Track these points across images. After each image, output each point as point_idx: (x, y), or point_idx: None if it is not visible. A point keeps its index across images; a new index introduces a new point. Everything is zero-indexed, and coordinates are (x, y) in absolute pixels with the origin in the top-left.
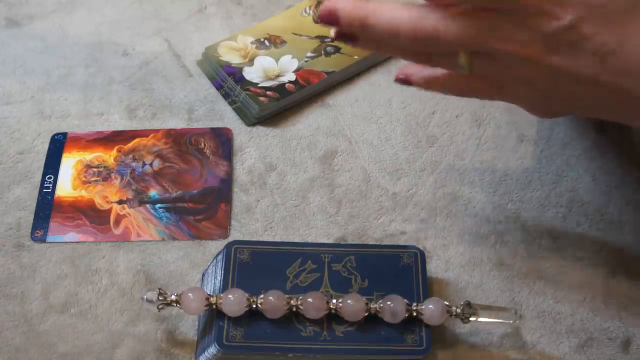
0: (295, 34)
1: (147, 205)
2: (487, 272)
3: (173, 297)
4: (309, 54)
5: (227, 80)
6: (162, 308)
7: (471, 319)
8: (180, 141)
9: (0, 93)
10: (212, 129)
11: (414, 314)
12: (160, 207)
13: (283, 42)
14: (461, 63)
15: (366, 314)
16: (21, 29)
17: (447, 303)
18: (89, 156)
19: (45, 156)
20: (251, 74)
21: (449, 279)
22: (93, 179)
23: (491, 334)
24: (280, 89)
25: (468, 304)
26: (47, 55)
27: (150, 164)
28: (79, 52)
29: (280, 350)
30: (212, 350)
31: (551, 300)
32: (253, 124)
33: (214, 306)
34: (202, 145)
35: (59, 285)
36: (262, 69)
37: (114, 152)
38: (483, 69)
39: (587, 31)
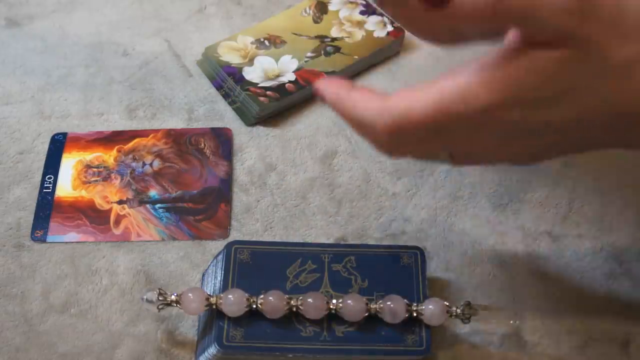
0: (295, 34)
1: (147, 205)
2: (487, 272)
3: (173, 297)
4: (308, 54)
5: (227, 80)
6: (162, 308)
7: (471, 319)
8: (180, 141)
9: (0, 93)
10: (212, 129)
11: (414, 314)
12: (160, 207)
13: (283, 42)
14: (442, 159)
15: (366, 314)
16: (21, 29)
17: (447, 303)
18: (89, 156)
19: (45, 156)
20: (251, 74)
21: (449, 279)
22: (93, 179)
23: (491, 334)
24: (280, 89)
25: (468, 304)
26: (47, 55)
27: (150, 164)
28: (79, 52)
29: (280, 351)
30: (212, 350)
31: (551, 300)
32: (253, 124)
33: (214, 306)
34: (202, 145)
35: (59, 285)
36: (262, 69)
37: (114, 152)
38: (465, 161)
39: (540, 117)
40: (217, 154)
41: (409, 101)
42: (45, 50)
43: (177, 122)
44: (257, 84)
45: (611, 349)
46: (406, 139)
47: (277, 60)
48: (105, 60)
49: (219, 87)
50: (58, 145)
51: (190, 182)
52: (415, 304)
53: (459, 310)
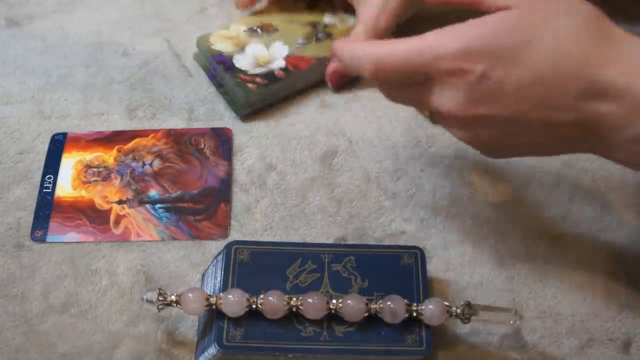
0: (289, 22)
1: (147, 205)
2: (487, 272)
3: (173, 297)
4: (300, 41)
5: (218, 69)
6: (162, 308)
7: (471, 319)
8: (180, 141)
9: (0, 93)
10: (212, 129)
11: (414, 314)
12: (160, 207)
13: (275, 29)
14: (425, 115)
15: (366, 315)
16: (21, 29)
17: (447, 303)
18: (89, 156)
19: (45, 156)
20: (241, 61)
21: (449, 279)
22: (93, 179)
23: (491, 334)
24: (269, 75)
25: (468, 304)
26: (47, 55)
27: (150, 164)
28: (79, 52)
29: (280, 351)
30: (212, 350)
31: (551, 300)
32: (244, 115)
33: (214, 306)
34: (202, 145)
35: (59, 285)
36: (253, 56)
37: (114, 152)
38: (439, 120)
39: (499, 74)
40: (217, 154)
41: (391, 47)
42: (45, 50)
43: (177, 122)
44: (247, 71)
45: (611, 349)
46: (387, 82)
47: (268, 47)
48: (105, 60)
49: (212, 78)
50: (58, 145)
51: (190, 182)
52: (415, 304)
53: (459, 310)
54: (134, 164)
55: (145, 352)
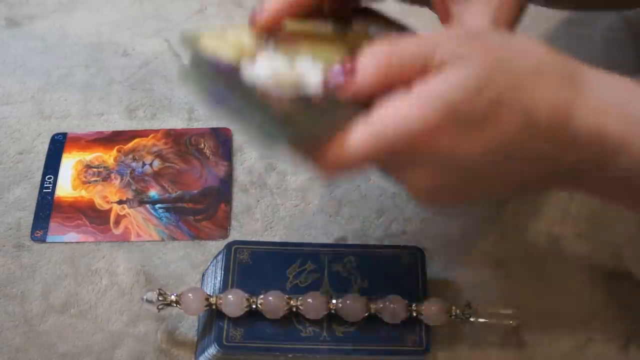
0: (313, 34)
1: (147, 206)
2: (487, 272)
3: (173, 297)
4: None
5: (218, 79)
6: (162, 308)
7: (471, 319)
8: (180, 141)
9: (0, 93)
10: (212, 129)
11: (414, 314)
12: (160, 207)
13: (297, 42)
14: None
15: (366, 315)
16: (21, 29)
17: (447, 303)
18: (89, 156)
19: (45, 156)
20: (255, 74)
21: (449, 279)
22: (93, 179)
23: (491, 334)
24: (302, 101)
25: (468, 304)
26: (47, 55)
27: (150, 164)
28: (79, 52)
29: (280, 351)
30: (212, 350)
31: (551, 300)
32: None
33: (214, 306)
34: (202, 145)
35: (59, 285)
36: (271, 70)
37: (114, 152)
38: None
39: (466, 145)
40: (217, 154)
41: (348, 144)
42: (45, 50)
43: (177, 122)
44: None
45: (611, 349)
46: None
47: (291, 63)
48: (105, 60)
49: (218, 101)
50: (58, 145)
51: (190, 182)
52: (415, 304)
53: (459, 310)
54: (134, 164)
55: (145, 352)
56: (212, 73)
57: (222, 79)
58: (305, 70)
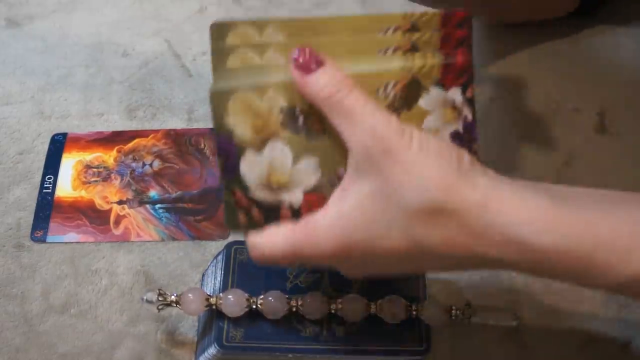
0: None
1: (147, 206)
2: (487, 272)
3: (173, 297)
4: (341, 172)
5: (219, 158)
6: (162, 308)
7: (471, 319)
8: (180, 141)
9: (0, 93)
10: (212, 129)
11: (414, 314)
12: (160, 208)
13: (321, 132)
14: None
15: (366, 315)
16: (21, 29)
17: (447, 303)
18: (89, 156)
19: (45, 156)
20: (249, 168)
21: (449, 279)
22: (93, 179)
23: (491, 334)
24: (271, 211)
25: (468, 304)
26: (47, 56)
27: (150, 165)
28: (79, 52)
29: (280, 351)
30: (212, 350)
31: (551, 300)
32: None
33: (214, 306)
34: (202, 145)
35: (59, 285)
36: (268, 166)
37: (114, 152)
38: None
39: (376, 258)
40: None
41: (271, 244)
42: (45, 50)
43: (177, 123)
44: (248, 188)
45: (611, 349)
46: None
47: (296, 159)
48: (105, 60)
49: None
50: (58, 145)
51: (190, 182)
52: (415, 304)
53: (459, 311)
54: (134, 164)
55: (145, 352)
56: (221, 149)
57: (220, 159)
58: (303, 171)
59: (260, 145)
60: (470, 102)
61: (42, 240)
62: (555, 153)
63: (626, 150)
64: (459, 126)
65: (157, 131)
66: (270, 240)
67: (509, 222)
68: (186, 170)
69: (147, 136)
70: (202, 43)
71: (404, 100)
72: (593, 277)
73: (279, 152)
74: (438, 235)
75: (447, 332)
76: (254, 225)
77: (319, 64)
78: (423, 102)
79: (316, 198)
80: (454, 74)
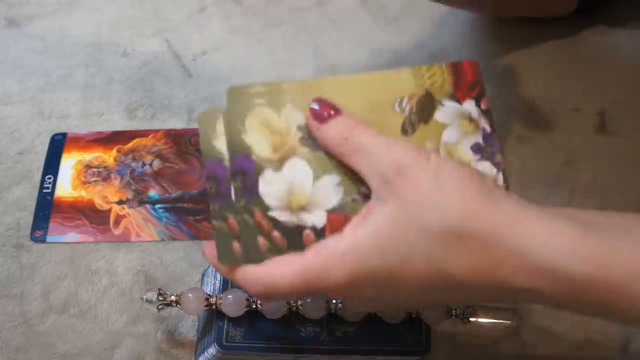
0: None
1: (147, 206)
2: None
3: (173, 297)
4: (362, 190)
5: (237, 179)
6: (161, 308)
7: (471, 319)
8: (180, 141)
9: (0, 93)
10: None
11: (414, 314)
12: (160, 208)
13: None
14: None
15: (366, 315)
16: (21, 29)
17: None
18: (89, 156)
19: (45, 156)
20: (270, 187)
21: None
22: (93, 179)
23: (491, 334)
24: (294, 233)
25: (468, 305)
26: (47, 56)
27: (150, 164)
28: (79, 52)
29: (280, 351)
30: (212, 350)
31: None
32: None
33: (214, 306)
34: None
35: (59, 285)
36: (289, 186)
37: (114, 152)
38: None
39: (390, 292)
40: None
41: (278, 275)
42: (45, 50)
43: (177, 122)
44: (270, 208)
45: (610, 350)
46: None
47: (316, 177)
48: (105, 60)
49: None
50: (58, 145)
51: (190, 182)
52: None
53: (459, 311)
54: (133, 164)
55: (145, 352)
56: (235, 168)
57: (238, 178)
58: (324, 191)
59: (279, 163)
60: (486, 113)
61: (42, 240)
62: (555, 153)
63: (626, 150)
64: (479, 138)
65: (157, 131)
66: (276, 271)
67: (542, 248)
68: (186, 170)
69: (147, 136)
70: (202, 43)
71: (420, 113)
72: (623, 309)
73: (299, 170)
74: (460, 260)
75: (447, 332)
76: (277, 250)
77: (336, 112)
78: (439, 115)
79: (340, 218)
80: (465, 88)
